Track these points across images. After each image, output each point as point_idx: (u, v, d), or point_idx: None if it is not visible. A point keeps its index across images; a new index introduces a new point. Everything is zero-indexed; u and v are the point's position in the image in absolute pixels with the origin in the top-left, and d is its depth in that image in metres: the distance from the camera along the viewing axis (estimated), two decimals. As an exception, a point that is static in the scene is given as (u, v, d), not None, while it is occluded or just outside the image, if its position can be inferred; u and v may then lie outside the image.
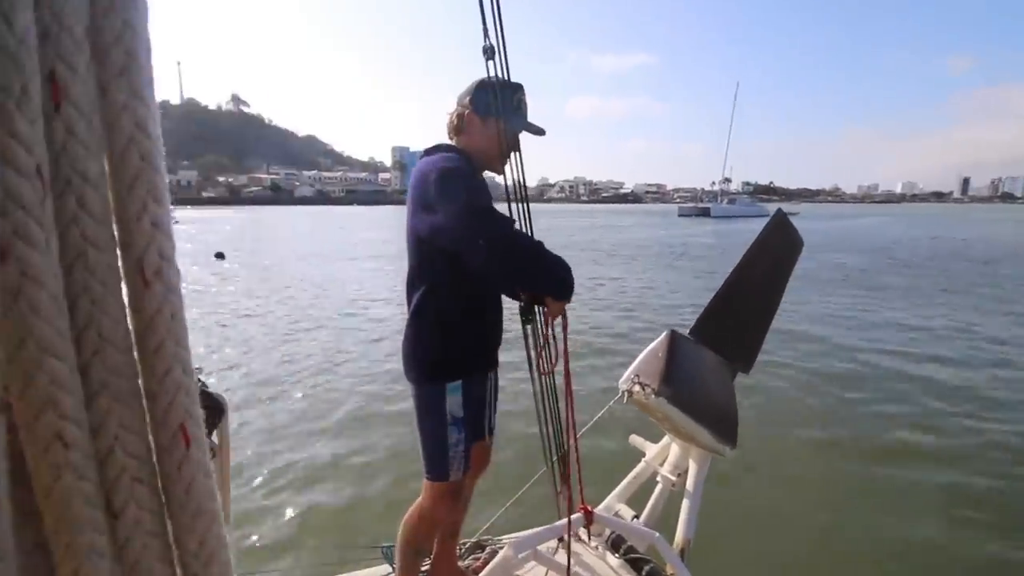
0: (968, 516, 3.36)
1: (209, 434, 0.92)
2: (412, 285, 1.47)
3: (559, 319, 1.40)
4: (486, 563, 1.73)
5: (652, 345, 1.76)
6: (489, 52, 1.22)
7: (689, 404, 1.65)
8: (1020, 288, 12.17)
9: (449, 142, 1.52)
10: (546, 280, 1.34)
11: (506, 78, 1.31)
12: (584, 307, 9.92)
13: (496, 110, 1.38)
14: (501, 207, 1.40)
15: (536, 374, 1.51)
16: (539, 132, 1.54)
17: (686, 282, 13.36)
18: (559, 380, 1.54)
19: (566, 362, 1.42)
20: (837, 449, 4.29)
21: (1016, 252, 20.71)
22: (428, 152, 1.48)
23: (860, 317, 9.13)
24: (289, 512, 3.36)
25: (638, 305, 10.32)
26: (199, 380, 0.91)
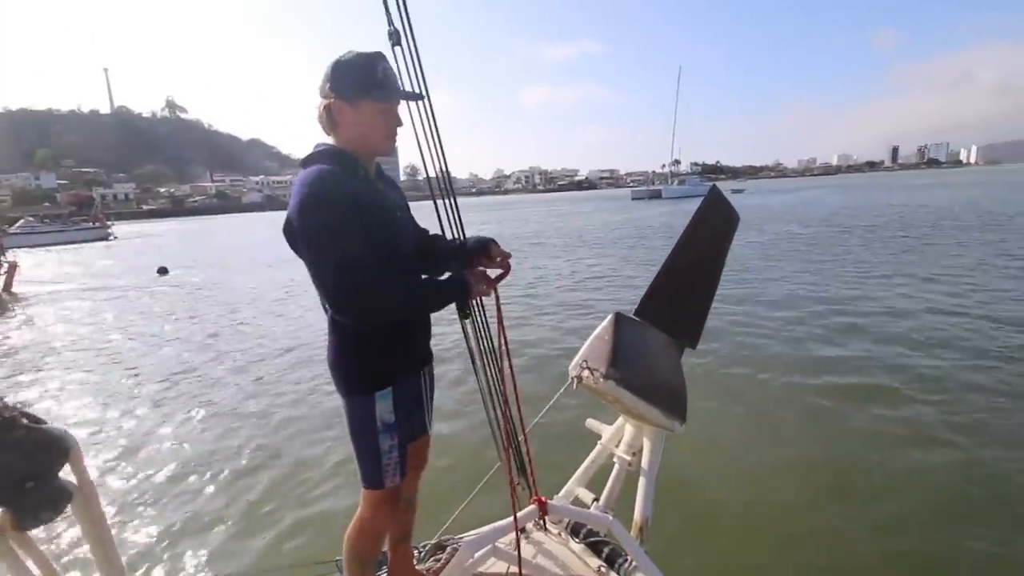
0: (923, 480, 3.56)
1: (53, 474, 0.86)
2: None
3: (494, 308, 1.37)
4: (448, 564, 1.70)
5: (598, 329, 1.76)
6: (394, 37, 1.16)
7: (637, 385, 1.66)
8: (952, 247, 13.02)
9: (328, 142, 1.38)
10: (437, 308, 1.35)
11: (416, 61, 1.24)
12: (542, 293, 9.98)
13: (362, 89, 1.28)
14: (422, 207, 1.35)
15: (480, 368, 1.48)
16: (416, 97, 1.41)
17: (640, 263, 13.64)
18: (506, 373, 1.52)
19: (506, 350, 1.39)
20: (794, 420, 4.45)
21: (945, 215, 22.11)
22: (304, 163, 1.34)
23: (811, 285, 9.57)
24: (233, 530, 3.27)
25: (596, 288, 10.47)
26: (22, 418, 0.85)
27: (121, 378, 6.45)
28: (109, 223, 46.34)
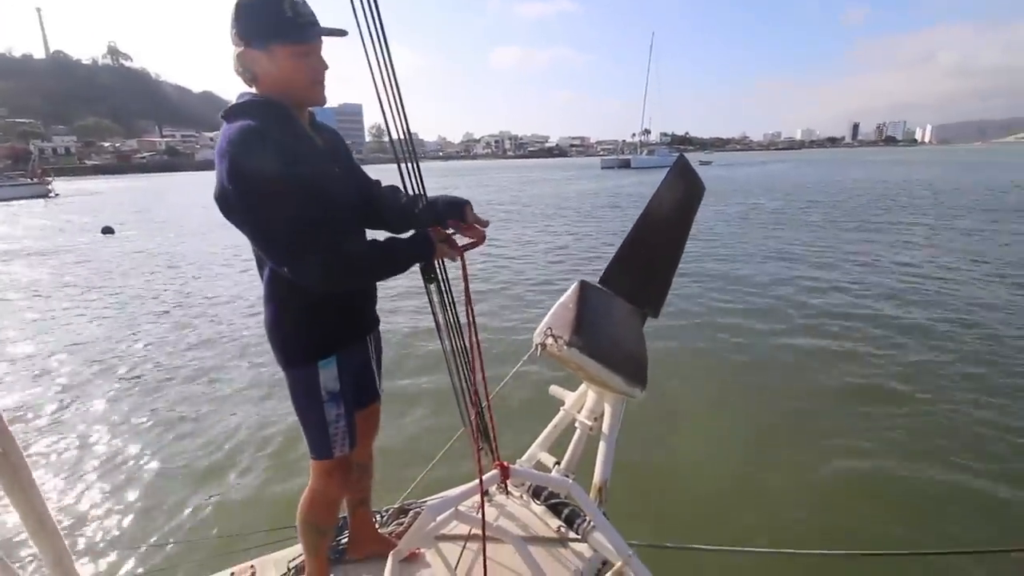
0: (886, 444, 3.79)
1: None
2: (259, 262, 1.30)
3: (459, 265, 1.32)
4: (410, 527, 1.72)
5: (563, 297, 1.77)
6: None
7: (600, 352, 1.68)
8: (909, 221, 13.65)
9: (250, 92, 1.22)
10: (401, 269, 1.25)
11: (377, 17, 1.08)
12: (512, 262, 9.98)
13: (271, 32, 1.12)
14: (387, 170, 1.27)
15: (445, 335, 1.46)
16: (338, 33, 1.20)
17: (609, 231, 13.77)
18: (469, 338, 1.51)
19: (472, 317, 1.38)
20: (752, 388, 4.64)
21: (901, 191, 23.08)
22: (227, 115, 1.18)
23: (779, 251, 9.91)
24: (192, 504, 3.19)
25: (565, 257, 10.54)
26: None
27: (52, 347, 6.14)
28: (49, 179, 43.31)
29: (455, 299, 1.42)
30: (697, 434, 3.84)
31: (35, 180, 41.87)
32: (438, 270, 1.36)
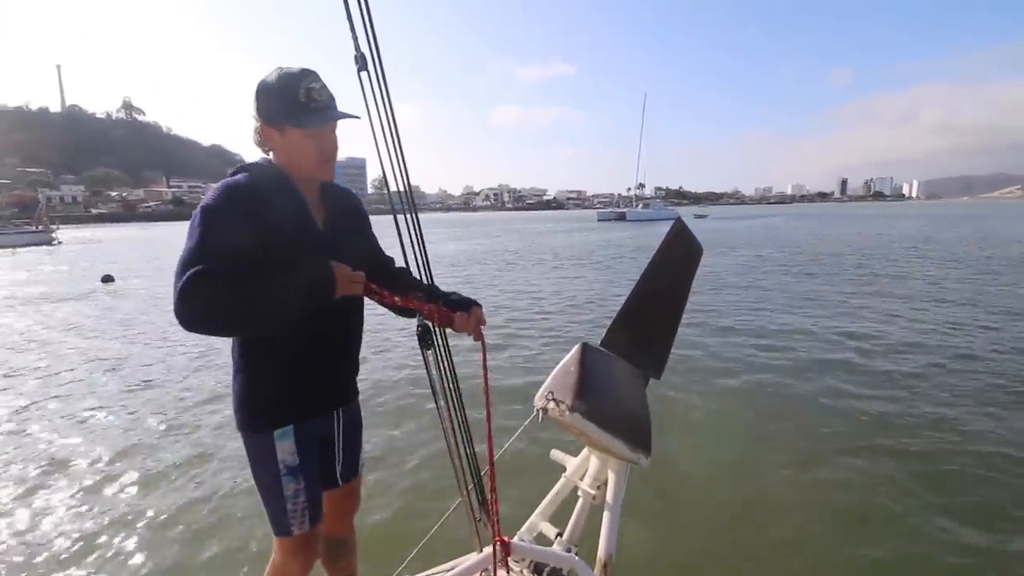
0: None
1: None
2: None
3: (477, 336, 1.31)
4: (403, 606, 1.62)
5: (564, 360, 1.75)
6: (361, 62, 1.12)
7: (603, 417, 1.64)
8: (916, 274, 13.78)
9: (266, 157, 1.30)
10: (281, 317, 1.13)
11: (383, 88, 1.20)
12: (506, 313, 9.96)
13: (285, 115, 1.18)
14: (383, 221, 1.28)
15: (443, 403, 1.43)
16: (350, 117, 1.26)
17: (606, 287, 13.84)
18: (468, 407, 1.48)
19: (487, 392, 1.35)
20: (763, 449, 4.49)
21: (910, 242, 23.48)
22: (233, 172, 1.26)
23: (791, 302, 9.93)
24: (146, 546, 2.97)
25: (561, 311, 10.51)
26: None
27: (35, 397, 6.01)
28: (53, 227, 43.88)
29: (452, 366, 1.40)
30: (710, 504, 3.67)
31: (39, 228, 42.39)
32: (435, 336, 1.35)
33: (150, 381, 6.48)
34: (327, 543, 1.55)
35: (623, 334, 1.89)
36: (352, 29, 1.03)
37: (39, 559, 3.04)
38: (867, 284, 12.54)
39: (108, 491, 3.88)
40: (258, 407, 1.28)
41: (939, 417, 4.83)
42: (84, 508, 3.63)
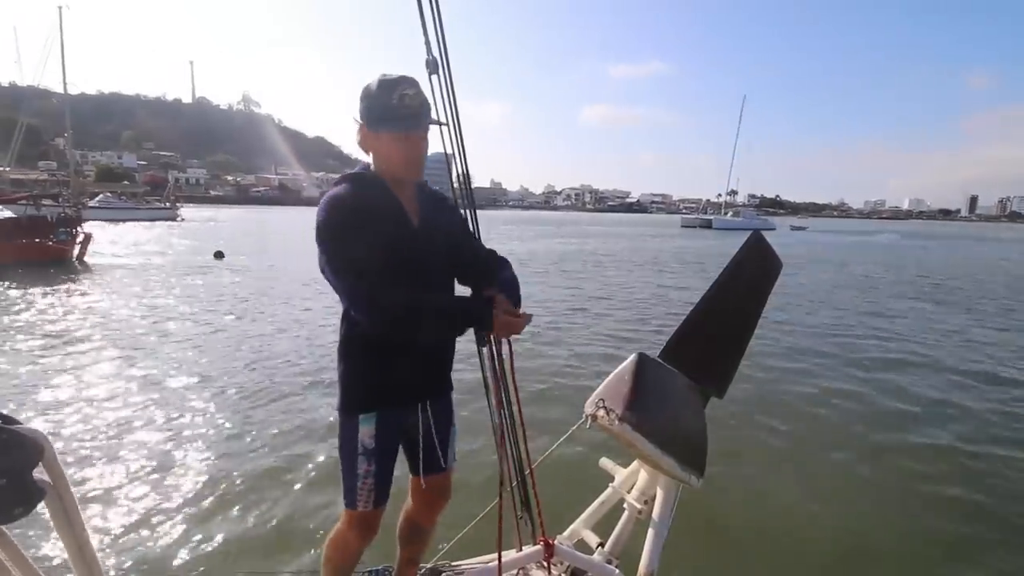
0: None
1: (26, 472, 0.89)
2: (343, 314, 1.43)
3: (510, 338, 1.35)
4: (442, 590, 1.68)
5: (619, 368, 1.71)
6: (432, 66, 1.17)
7: (654, 431, 1.59)
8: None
9: (365, 162, 1.43)
10: (439, 334, 1.35)
11: (451, 91, 1.25)
12: (562, 322, 9.85)
13: (380, 119, 1.28)
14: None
15: (491, 399, 1.46)
16: (436, 123, 1.37)
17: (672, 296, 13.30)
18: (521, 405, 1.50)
19: (515, 388, 1.37)
20: (835, 490, 4.16)
21: None
22: (336, 181, 1.39)
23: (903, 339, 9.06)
24: (230, 537, 3.22)
25: (623, 321, 10.23)
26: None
27: (150, 360, 6.77)
28: (179, 205, 49.43)
29: (503, 364, 1.42)
30: (772, 535, 3.46)
31: (167, 205, 47.94)
32: (486, 337, 1.38)
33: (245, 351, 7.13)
34: (408, 524, 1.66)
35: (684, 347, 1.82)
36: (425, 34, 1.09)
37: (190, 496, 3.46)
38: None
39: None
40: (349, 392, 1.41)
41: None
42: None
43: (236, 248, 21.45)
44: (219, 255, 18.40)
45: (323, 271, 1.29)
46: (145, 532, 3.23)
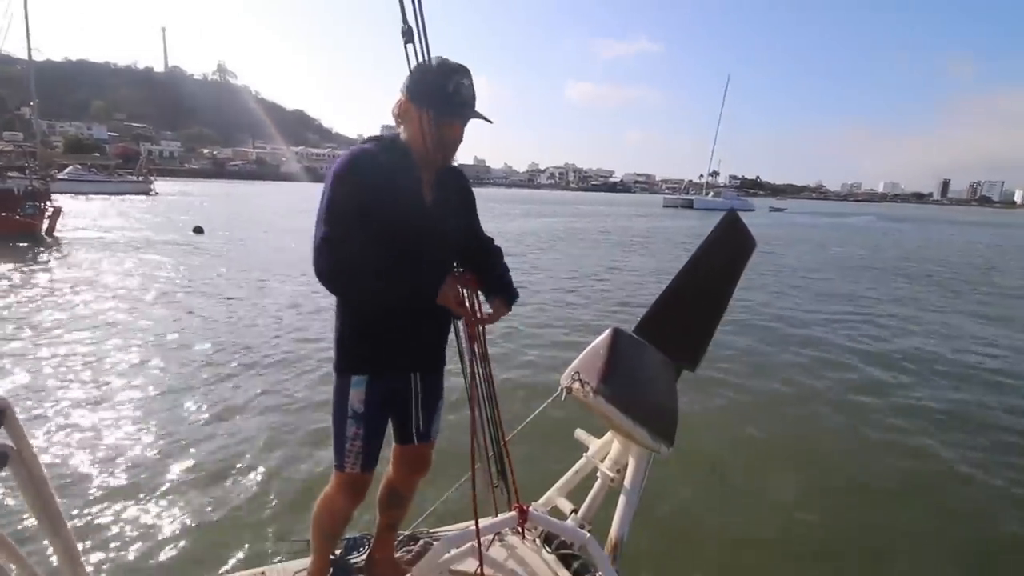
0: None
1: None
2: None
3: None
4: (419, 555, 1.73)
5: (595, 342, 1.76)
6: (407, 35, 1.17)
7: (627, 402, 1.65)
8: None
9: (393, 128, 1.45)
10: (396, 293, 1.34)
11: (428, 62, 1.24)
12: (540, 297, 9.94)
13: (428, 98, 1.29)
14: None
15: (466, 371, 1.49)
16: (484, 119, 1.41)
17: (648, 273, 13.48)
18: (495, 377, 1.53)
19: (487, 359, 1.41)
20: (802, 451, 4.35)
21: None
22: (364, 140, 1.42)
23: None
24: (208, 507, 3.23)
25: (600, 298, 10.36)
26: None
27: (121, 337, 6.67)
28: (152, 178, 47.81)
29: (485, 336, 1.45)
30: (733, 498, 3.62)
31: (140, 178, 46.37)
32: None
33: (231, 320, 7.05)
34: (388, 490, 1.69)
35: (658, 322, 1.86)
36: (401, 2, 1.08)
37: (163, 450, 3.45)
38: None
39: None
40: (342, 352, 1.45)
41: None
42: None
43: (216, 223, 20.98)
44: (198, 230, 17.99)
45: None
46: (117, 505, 3.22)
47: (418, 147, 1.37)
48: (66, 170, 42.94)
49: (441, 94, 1.30)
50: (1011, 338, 8.21)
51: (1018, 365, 6.78)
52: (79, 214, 23.03)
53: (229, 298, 8.73)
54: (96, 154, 73.91)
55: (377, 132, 1.45)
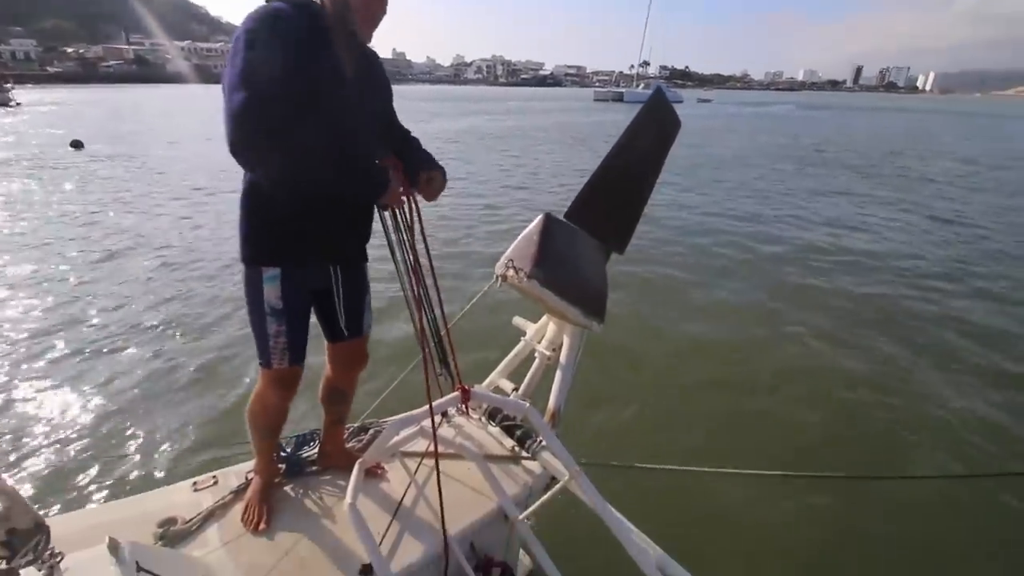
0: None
1: None
2: None
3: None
4: (370, 443, 1.81)
5: (527, 229, 1.77)
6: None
7: (559, 285, 1.71)
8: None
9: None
10: (341, 186, 1.25)
11: None
12: (477, 192, 9.85)
13: None
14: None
15: (398, 259, 1.48)
16: None
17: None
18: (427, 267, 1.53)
19: (414, 251, 1.41)
20: (708, 322, 4.78)
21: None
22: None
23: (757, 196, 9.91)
24: (155, 419, 3.24)
25: (526, 187, 10.45)
26: None
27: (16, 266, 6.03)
28: (8, 85, 40.44)
29: (410, 221, 1.42)
30: (650, 363, 3.99)
31: (-7, 87, 39.09)
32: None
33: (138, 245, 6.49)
34: (328, 388, 1.68)
35: (587, 207, 1.89)
36: None
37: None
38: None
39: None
40: (251, 242, 1.33)
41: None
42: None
43: (96, 135, 18.39)
44: (77, 144, 15.74)
45: (223, 91, 1.12)
46: (62, 426, 3.12)
47: (341, 19, 1.24)
48: None
49: None
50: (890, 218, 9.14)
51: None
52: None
53: (127, 213, 7.93)
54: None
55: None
